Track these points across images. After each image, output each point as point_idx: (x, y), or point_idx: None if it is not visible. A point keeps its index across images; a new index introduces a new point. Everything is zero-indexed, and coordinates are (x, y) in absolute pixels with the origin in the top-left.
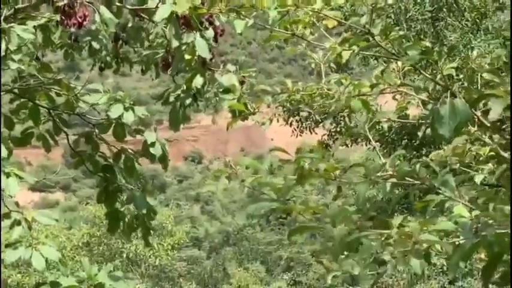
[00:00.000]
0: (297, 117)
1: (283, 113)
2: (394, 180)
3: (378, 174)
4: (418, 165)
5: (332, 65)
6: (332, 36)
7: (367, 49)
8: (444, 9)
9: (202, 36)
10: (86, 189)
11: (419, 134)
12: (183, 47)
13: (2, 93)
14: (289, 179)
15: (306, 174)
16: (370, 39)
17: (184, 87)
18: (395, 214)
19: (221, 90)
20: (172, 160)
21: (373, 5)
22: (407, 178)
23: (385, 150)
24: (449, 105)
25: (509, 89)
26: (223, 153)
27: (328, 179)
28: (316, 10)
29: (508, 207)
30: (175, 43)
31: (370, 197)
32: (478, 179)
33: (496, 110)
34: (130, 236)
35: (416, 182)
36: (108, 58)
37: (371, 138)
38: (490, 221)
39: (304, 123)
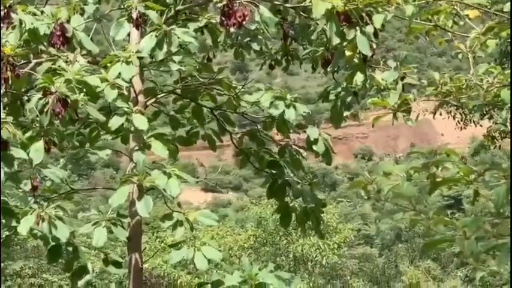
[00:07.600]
0: (460, 110)
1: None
2: None
3: None
4: None
5: (481, 54)
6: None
7: None
8: None
9: (362, 32)
10: (257, 189)
11: None
12: (344, 44)
13: (164, 94)
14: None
15: (439, 182)
16: None
17: (345, 85)
18: None
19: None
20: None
21: None
22: None
23: None
24: None
25: None
26: (393, 150)
27: (465, 184)
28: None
29: None
30: (335, 40)
31: None
32: None
33: None
34: (304, 229)
35: None
36: (277, 56)
37: None
38: None
39: (468, 116)
